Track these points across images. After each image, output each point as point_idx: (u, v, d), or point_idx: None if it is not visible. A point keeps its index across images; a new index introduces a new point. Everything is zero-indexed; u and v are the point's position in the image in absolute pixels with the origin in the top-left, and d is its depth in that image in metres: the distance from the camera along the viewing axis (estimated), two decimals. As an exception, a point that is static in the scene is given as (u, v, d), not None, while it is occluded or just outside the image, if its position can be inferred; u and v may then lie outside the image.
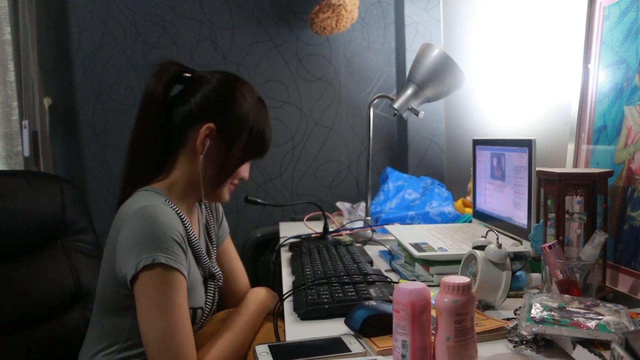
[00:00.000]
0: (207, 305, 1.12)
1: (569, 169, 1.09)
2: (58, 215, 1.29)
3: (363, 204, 1.82)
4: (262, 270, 1.95)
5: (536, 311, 0.75)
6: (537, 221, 1.09)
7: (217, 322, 1.18)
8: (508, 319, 0.87)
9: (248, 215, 2.14)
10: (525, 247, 1.12)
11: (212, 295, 1.14)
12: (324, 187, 2.20)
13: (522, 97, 1.50)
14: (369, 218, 1.71)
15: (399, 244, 1.31)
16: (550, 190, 0.97)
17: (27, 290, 1.21)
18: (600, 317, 0.73)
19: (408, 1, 2.06)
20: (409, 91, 1.64)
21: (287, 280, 1.19)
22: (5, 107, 1.76)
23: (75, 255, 1.30)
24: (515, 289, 1.02)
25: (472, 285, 0.89)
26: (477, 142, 1.45)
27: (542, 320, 0.73)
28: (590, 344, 0.70)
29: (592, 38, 1.10)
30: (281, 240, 1.54)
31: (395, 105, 1.65)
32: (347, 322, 0.87)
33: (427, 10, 2.07)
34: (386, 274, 1.16)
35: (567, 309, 0.76)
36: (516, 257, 1.06)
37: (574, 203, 0.95)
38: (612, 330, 0.69)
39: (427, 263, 1.12)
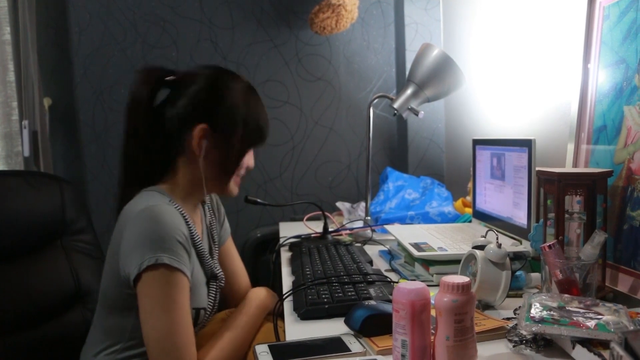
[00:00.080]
0: (209, 306, 1.12)
1: (568, 168, 1.09)
2: (58, 215, 1.29)
3: (363, 204, 1.82)
4: (262, 270, 1.95)
5: (536, 311, 0.76)
6: (537, 221, 1.09)
7: (217, 322, 1.19)
8: (508, 319, 0.87)
9: (248, 215, 2.14)
10: (525, 246, 1.12)
11: (214, 295, 1.14)
12: (324, 187, 2.20)
13: (522, 97, 1.50)
14: (369, 218, 1.71)
15: (399, 244, 1.31)
16: (550, 190, 0.97)
17: (27, 290, 1.22)
18: (600, 316, 0.73)
19: (408, 1, 2.06)
20: (409, 91, 1.64)
21: (287, 280, 1.19)
22: (5, 107, 1.76)
23: (75, 255, 1.30)
24: (515, 289, 1.02)
25: (472, 285, 0.89)
26: (477, 142, 1.45)
27: (541, 320, 0.73)
28: (589, 343, 0.70)
29: (592, 38, 1.10)
30: (281, 240, 1.54)
31: (395, 105, 1.65)
32: (347, 322, 0.87)
33: (427, 10, 2.07)
34: (386, 273, 1.16)
35: (567, 308, 0.76)
36: (516, 256, 1.06)
37: (574, 203, 0.95)
38: (612, 329, 0.69)
39: (427, 263, 1.13)
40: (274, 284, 1.37)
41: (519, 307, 0.84)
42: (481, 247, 0.95)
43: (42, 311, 1.23)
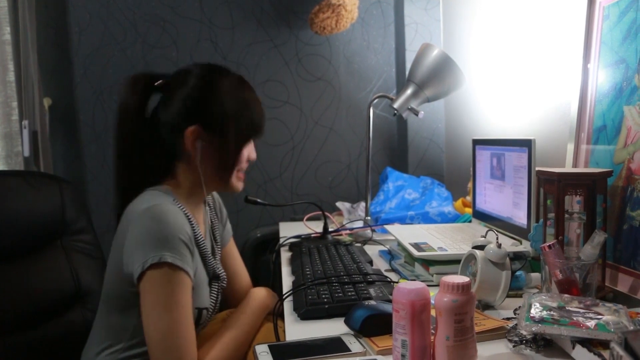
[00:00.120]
0: (211, 306, 1.13)
1: (568, 168, 1.09)
2: (58, 215, 1.29)
3: (363, 204, 1.82)
4: (262, 270, 1.95)
5: (536, 311, 0.76)
6: (537, 221, 1.09)
7: (218, 322, 1.19)
8: (507, 319, 0.87)
9: (248, 215, 2.14)
10: (525, 246, 1.12)
11: (215, 295, 1.15)
12: (324, 187, 2.20)
13: (522, 97, 1.50)
14: (369, 218, 1.71)
15: (399, 244, 1.31)
16: (550, 190, 0.97)
17: (27, 290, 1.22)
18: (600, 316, 0.73)
19: (408, 1, 2.06)
20: (409, 91, 1.64)
21: (287, 280, 1.19)
22: (5, 107, 1.76)
23: (75, 255, 1.30)
24: (515, 289, 1.02)
25: (472, 285, 0.90)
26: (476, 142, 1.45)
27: (541, 320, 0.73)
28: (589, 343, 0.70)
29: (592, 38, 1.10)
30: (281, 240, 1.54)
31: (395, 105, 1.65)
32: (347, 322, 0.87)
33: (426, 10, 2.07)
34: (386, 273, 1.16)
35: (567, 308, 0.76)
36: (516, 256, 1.06)
37: (574, 203, 0.95)
38: (612, 329, 0.69)
39: (427, 263, 1.13)
40: (274, 284, 1.37)
41: (519, 307, 0.84)
42: (481, 247, 0.95)
43: (42, 311, 1.23)
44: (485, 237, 0.99)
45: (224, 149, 1.11)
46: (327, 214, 1.54)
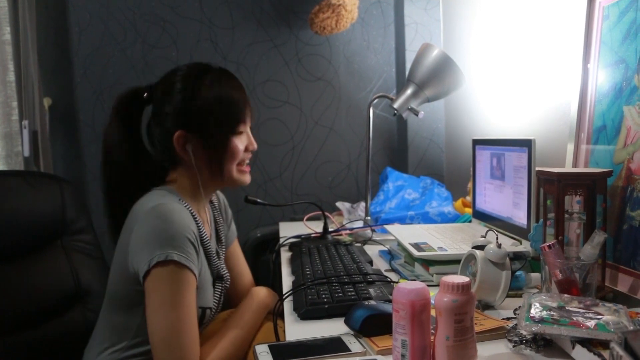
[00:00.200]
0: (214, 306, 1.13)
1: (568, 168, 1.09)
2: (58, 215, 1.29)
3: (363, 204, 1.82)
4: (262, 270, 1.95)
5: (535, 311, 0.76)
6: (537, 221, 1.09)
7: (219, 322, 1.19)
8: (507, 319, 0.87)
9: (248, 215, 2.14)
10: (525, 246, 1.12)
11: (219, 296, 1.15)
12: (324, 187, 2.20)
13: (522, 97, 1.50)
14: (369, 218, 1.71)
15: (399, 244, 1.31)
16: (550, 190, 0.97)
17: (27, 290, 1.22)
18: (600, 316, 0.73)
19: (408, 1, 2.06)
20: (409, 91, 1.64)
21: (287, 280, 1.19)
22: (5, 107, 1.76)
23: (75, 255, 1.30)
24: (515, 289, 1.02)
25: (472, 285, 0.90)
26: (476, 142, 1.45)
27: (541, 320, 0.73)
28: (589, 343, 0.70)
29: (592, 38, 1.10)
30: (281, 240, 1.54)
31: (395, 105, 1.65)
32: (346, 322, 0.87)
33: (426, 10, 2.07)
34: (386, 273, 1.16)
35: (567, 308, 0.76)
36: (516, 256, 1.06)
37: (574, 203, 0.95)
38: (612, 329, 0.69)
39: (427, 263, 1.13)
40: (274, 284, 1.37)
41: (519, 307, 0.84)
42: (481, 247, 0.95)
43: (42, 311, 1.23)
44: (485, 237, 0.99)
45: (211, 145, 1.10)
46: (327, 214, 1.54)
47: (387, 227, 1.47)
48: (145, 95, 1.14)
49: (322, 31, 1.93)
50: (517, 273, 1.04)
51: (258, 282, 1.39)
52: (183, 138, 1.09)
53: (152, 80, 1.18)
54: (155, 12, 2.05)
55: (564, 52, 1.27)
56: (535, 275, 1.06)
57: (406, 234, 1.31)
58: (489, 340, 0.81)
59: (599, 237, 0.87)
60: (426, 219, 1.64)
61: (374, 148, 2.17)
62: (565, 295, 0.83)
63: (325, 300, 0.95)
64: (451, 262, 1.09)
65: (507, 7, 1.59)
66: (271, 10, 2.11)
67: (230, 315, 1.20)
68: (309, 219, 1.66)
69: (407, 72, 1.73)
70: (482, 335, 0.80)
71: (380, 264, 1.29)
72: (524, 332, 0.76)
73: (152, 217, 0.99)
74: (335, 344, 0.81)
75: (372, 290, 0.99)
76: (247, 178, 1.17)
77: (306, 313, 0.94)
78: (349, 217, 1.80)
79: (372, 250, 1.42)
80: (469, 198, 1.64)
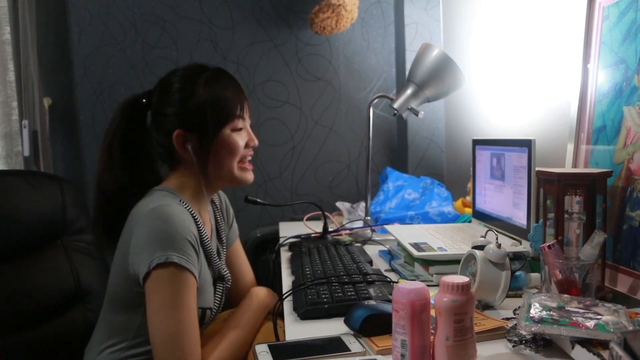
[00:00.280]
0: (215, 306, 1.13)
1: (568, 169, 1.10)
2: (58, 215, 1.29)
3: (363, 204, 1.82)
4: (262, 270, 1.95)
5: (535, 311, 0.76)
6: (537, 221, 1.09)
7: (219, 322, 1.19)
8: (507, 319, 0.87)
9: (248, 215, 2.14)
10: (525, 247, 1.12)
11: (220, 296, 1.15)
12: (324, 187, 2.20)
13: (522, 97, 1.50)
14: (369, 218, 1.71)
15: (399, 244, 1.31)
16: (550, 190, 0.97)
17: (27, 290, 1.22)
18: (599, 316, 0.73)
19: (408, 1, 2.06)
20: (409, 91, 1.64)
21: (286, 280, 1.19)
22: (5, 107, 1.76)
23: (75, 255, 1.31)
24: (515, 289, 1.02)
25: (472, 285, 0.89)
26: (476, 142, 1.45)
27: (541, 320, 0.73)
28: (589, 343, 0.70)
29: (592, 38, 1.10)
30: (281, 240, 1.54)
31: (395, 105, 1.65)
32: (346, 322, 0.87)
33: (426, 10, 2.07)
34: (386, 273, 1.16)
35: (566, 308, 0.76)
36: (515, 257, 1.06)
37: (573, 203, 0.95)
38: (611, 329, 0.69)
39: (427, 263, 1.13)
40: (274, 284, 1.37)
41: (519, 307, 0.84)
42: (481, 247, 0.95)
43: (42, 311, 1.23)
44: (485, 237, 0.99)
45: (210, 142, 1.10)
46: (327, 214, 1.54)
47: (387, 227, 1.48)
48: (144, 100, 1.14)
49: (322, 31, 1.93)
50: (517, 273, 1.04)
51: (258, 282, 1.39)
52: (182, 137, 1.09)
53: (152, 80, 1.18)
54: (155, 12, 2.05)
55: (564, 52, 1.27)
56: (535, 276, 1.06)
57: (406, 234, 1.31)
58: (488, 340, 0.81)
59: (598, 237, 0.87)
60: (426, 219, 1.64)
61: (374, 148, 2.17)
62: (565, 295, 0.83)
63: (325, 300, 0.95)
64: (451, 262, 1.09)
65: (507, 7, 1.59)
66: (271, 10, 2.12)
67: (230, 316, 1.20)
68: (308, 219, 1.66)
69: (407, 72, 1.73)
70: (481, 335, 0.80)
71: (380, 264, 1.29)
72: (524, 332, 0.76)
73: (152, 219, 0.99)
74: (335, 344, 0.81)
75: (371, 290, 0.99)
76: (249, 175, 1.17)
77: (306, 313, 0.94)
78: (349, 217, 1.80)
79: (372, 250, 1.42)
80: (468, 198, 1.64)
